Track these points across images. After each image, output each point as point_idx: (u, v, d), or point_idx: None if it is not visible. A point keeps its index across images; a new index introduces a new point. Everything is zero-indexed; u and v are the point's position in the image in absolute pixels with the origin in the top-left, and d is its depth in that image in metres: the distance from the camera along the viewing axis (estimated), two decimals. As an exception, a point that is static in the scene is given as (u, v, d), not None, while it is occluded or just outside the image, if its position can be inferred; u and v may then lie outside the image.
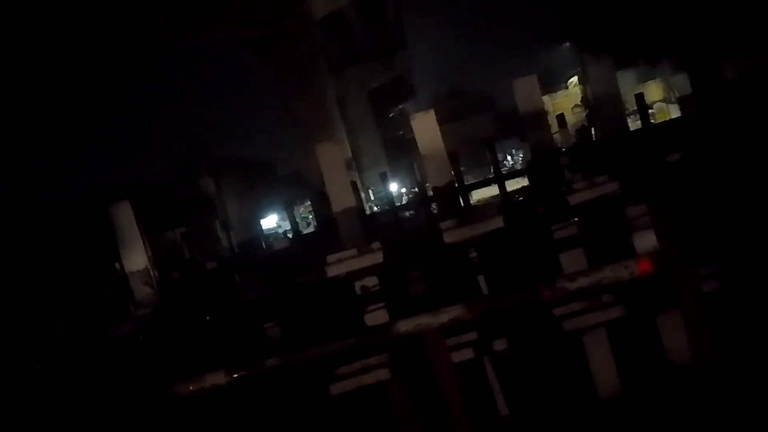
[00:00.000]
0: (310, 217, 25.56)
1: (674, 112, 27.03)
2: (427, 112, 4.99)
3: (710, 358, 4.25)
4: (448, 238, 4.53)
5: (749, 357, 4.52)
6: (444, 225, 4.58)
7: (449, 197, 5.03)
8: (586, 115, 30.68)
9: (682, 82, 27.90)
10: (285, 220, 26.31)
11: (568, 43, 34.62)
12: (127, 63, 27.55)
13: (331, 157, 5.02)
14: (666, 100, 29.77)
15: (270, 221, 28.05)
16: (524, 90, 4.97)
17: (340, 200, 5.00)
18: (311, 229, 20.69)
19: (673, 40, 25.29)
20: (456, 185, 5.22)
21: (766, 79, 5.07)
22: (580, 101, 34.10)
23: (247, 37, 28.63)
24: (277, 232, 24.83)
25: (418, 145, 4.98)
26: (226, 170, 25.28)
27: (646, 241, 4.52)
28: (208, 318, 6.02)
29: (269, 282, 5.07)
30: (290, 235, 15.46)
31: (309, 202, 23.25)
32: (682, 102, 27.38)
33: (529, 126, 5.02)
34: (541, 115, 5.05)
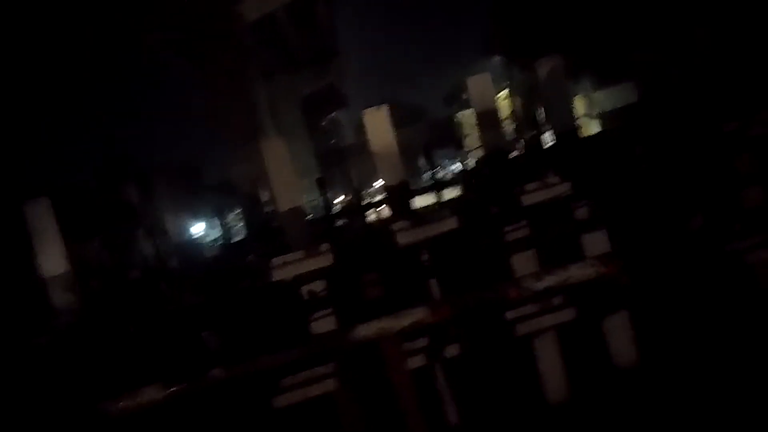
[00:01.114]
0: (240, 225, 24.76)
1: (595, 128, 28.36)
2: (378, 108, 4.80)
3: (655, 362, 4.30)
4: (402, 239, 4.34)
5: (694, 359, 4.60)
6: (397, 226, 4.39)
7: (402, 197, 4.85)
8: (515, 128, 31.71)
9: (602, 99, 29.40)
10: (213, 228, 25.36)
11: (497, 57, 35.66)
12: (49, 64, 25.84)
13: (277, 154, 4.72)
14: (588, 115, 31.21)
15: (198, 229, 26.96)
16: (478, 88, 4.88)
17: (287, 199, 4.70)
18: (241, 237, 20.01)
19: (594, 58, 26.58)
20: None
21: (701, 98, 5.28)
22: (510, 114, 35.22)
23: (176, 40, 27.56)
24: (205, 241, 23.88)
25: (370, 142, 4.77)
26: (152, 176, 24.08)
27: (597, 242, 4.53)
28: (132, 329, 5.53)
29: (206, 288, 4.67)
30: (220, 243, 14.83)
31: (239, 210, 22.51)
32: (602, 117, 28.86)
33: (482, 124, 4.93)
34: (494, 113, 4.98)
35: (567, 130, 4.98)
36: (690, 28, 5.36)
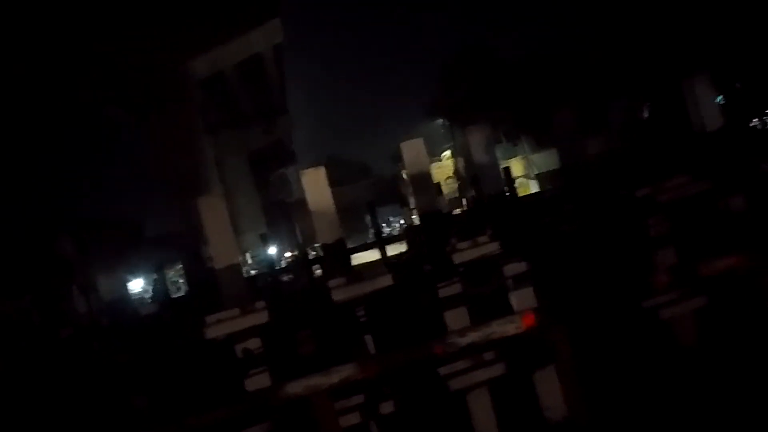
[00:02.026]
0: (181, 281, 24.09)
1: (534, 187, 29.63)
2: (317, 169, 4.96)
3: (582, 415, 4.45)
4: (337, 296, 4.42)
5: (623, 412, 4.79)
6: (333, 283, 4.47)
7: (338, 255, 4.95)
8: (458, 186, 32.65)
9: (539, 160, 30.90)
10: (152, 285, 24.47)
11: (441, 119, 37.07)
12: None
13: (215, 212, 4.76)
14: (526, 176, 32.59)
15: (136, 285, 25.96)
16: (412, 152, 5.13)
17: (224, 257, 4.72)
18: (182, 293, 19.45)
19: (534, 122, 28.08)
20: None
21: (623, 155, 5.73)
22: (453, 173, 36.32)
23: (123, 95, 27.42)
24: (143, 297, 22.99)
25: (308, 201, 4.90)
26: (88, 230, 23.25)
27: (524, 298, 4.75)
28: (57, 388, 5.29)
29: (139, 347, 4.57)
30: (158, 300, 14.35)
31: (180, 265, 21.94)
32: (539, 178, 30.24)
33: (416, 187, 5.16)
34: (428, 177, 5.22)
35: (495, 192, 5.27)
36: (607, 102, 5.87)
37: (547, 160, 28.94)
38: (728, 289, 4.89)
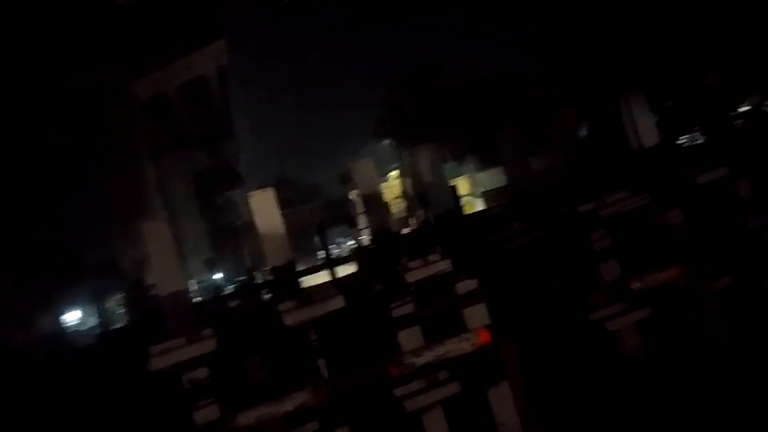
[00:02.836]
0: (122, 311, 23.12)
1: (480, 205, 30.23)
2: (265, 190, 4.87)
3: (535, 430, 4.50)
4: (288, 320, 4.31)
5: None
6: (283, 306, 4.36)
7: (288, 277, 4.85)
8: (406, 206, 32.91)
9: (485, 179, 31.60)
10: (91, 316, 23.44)
11: (388, 140, 37.43)
12: None
13: (159, 237, 4.58)
14: (473, 194, 33.22)
15: (73, 317, 24.75)
16: (362, 172, 5.12)
17: (168, 283, 4.54)
18: (123, 324, 18.64)
19: (479, 141, 28.77)
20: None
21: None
22: (401, 193, 36.63)
23: (63, 118, 26.38)
24: (80, 329, 21.93)
25: (257, 223, 4.79)
26: (21, 260, 22.06)
27: (477, 315, 4.77)
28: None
29: (78, 380, 4.31)
30: (98, 331, 13.71)
31: (121, 294, 21.09)
32: (485, 196, 30.90)
33: (367, 207, 5.14)
34: (378, 196, 5.22)
35: (444, 210, 5.32)
36: (548, 121, 6.05)
37: (493, 178, 29.65)
38: (670, 300, 5.09)
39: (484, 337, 3.35)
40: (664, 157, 5.77)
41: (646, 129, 5.53)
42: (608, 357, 5.16)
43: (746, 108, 21.54)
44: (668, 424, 4.43)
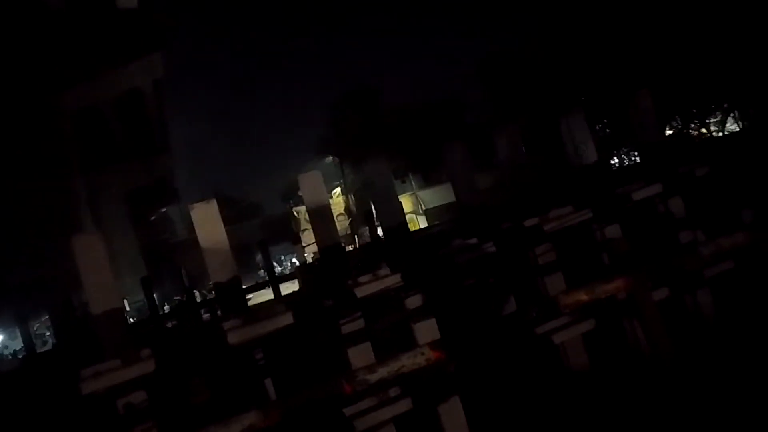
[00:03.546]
0: (47, 333, 21.77)
1: (422, 222, 30.55)
2: (208, 202, 4.68)
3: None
4: (233, 338, 4.13)
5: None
6: (228, 324, 4.19)
7: (233, 294, 4.67)
8: (350, 223, 32.84)
9: (427, 197, 32.03)
10: (14, 339, 21.95)
11: (330, 157, 37.34)
12: None
13: (91, 250, 4.30)
14: (415, 212, 33.55)
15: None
16: (309, 185, 5.03)
17: (102, 301, 4.26)
18: (49, 347, 17.56)
19: (422, 159, 29.17)
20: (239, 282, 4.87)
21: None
22: (344, 210, 36.55)
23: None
24: (2, 354, 20.47)
25: (199, 238, 4.59)
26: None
27: (427, 330, 4.74)
28: None
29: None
30: (21, 355, 12.82)
31: (47, 316, 19.86)
32: (428, 213, 31.29)
33: (315, 220, 5.04)
34: (326, 208, 5.13)
35: (394, 225, 5.29)
36: (491, 139, 6.18)
37: (435, 196, 30.07)
38: (612, 312, 5.24)
39: (438, 351, 3.32)
40: (602, 174, 5.98)
41: (585, 148, 5.73)
42: (554, 370, 5.25)
43: (670, 132, 22.91)
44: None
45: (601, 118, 22.98)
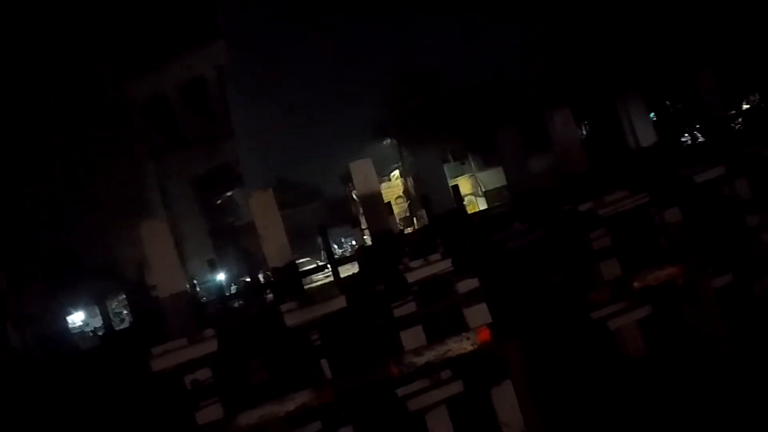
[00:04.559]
0: (125, 312, 23.13)
1: (482, 204, 30.22)
2: (265, 190, 4.88)
3: (539, 429, 4.50)
4: (290, 320, 4.33)
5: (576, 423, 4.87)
6: (285, 307, 4.38)
7: (289, 278, 4.87)
8: (408, 206, 32.93)
9: (487, 178, 31.60)
10: (94, 317, 23.45)
11: (388, 139, 37.39)
12: None
13: (158, 237, 4.59)
14: (474, 194, 33.21)
15: (77, 318, 24.74)
16: (361, 173, 5.13)
17: (168, 284, 4.55)
18: (126, 325, 18.66)
19: (480, 141, 28.75)
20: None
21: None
22: (402, 193, 36.65)
23: (59, 118, 26.37)
24: (84, 331, 21.92)
25: (256, 225, 4.80)
26: (19, 261, 22.06)
27: (478, 314, 4.78)
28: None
29: (81, 382, 4.32)
30: (101, 333, 13.74)
31: (123, 296, 21.10)
32: (487, 195, 30.89)
33: (366, 207, 5.16)
34: (377, 196, 5.23)
35: (445, 210, 5.33)
36: (548, 122, 6.05)
37: (494, 177, 29.59)
38: (670, 298, 5.09)
39: (484, 335, 3.37)
40: (662, 156, 5.78)
41: (643, 129, 5.55)
42: (610, 355, 5.17)
43: (747, 107, 21.55)
44: (669, 421, 4.44)
45: (671, 94, 21.89)
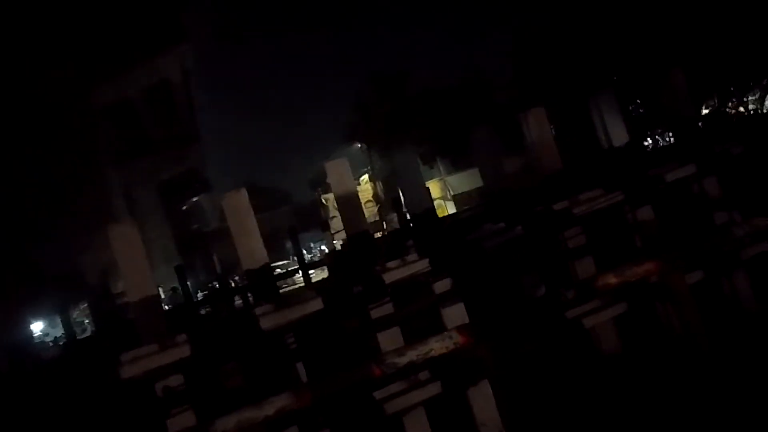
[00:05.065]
0: (86, 321, 22.49)
1: (451, 208, 30.40)
2: (238, 191, 4.76)
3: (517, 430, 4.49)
4: (265, 323, 4.22)
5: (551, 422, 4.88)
6: (260, 310, 4.27)
7: (265, 280, 4.75)
8: (378, 210, 32.92)
9: (455, 182, 31.82)
10: (54, 327, 22.71)
11: (358, 144, 37.37)
12: None
13: (127, 240, 4.43)
14: (443, 198, 33.39)
15: (35, 328, 23.92)
16: (336, 173, 5.06)
17: (139, 289, 4.39)
18: (88, 334, 18.13)
19: (449, 145, 28.94)
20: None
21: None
22: (372, 197, 36.62)
23: (20, 122, 25.54)
24: (44, 341, 21.20)
25: (230, 226, 4.68)
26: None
27: (456, 314, 4.76)
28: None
29: (43, 393, 4.13)
30: (63, 342, 13.28)
31: (85, 304, 20.52)
32: (456, 199, 31.10)
33: (342, 207, 5.08)
34: (354, 196, 5.17)
35: (422, 212, 5.30)
36: (521, 122, 6.09)
37: (463, 181, 29.86)
38: (644, 295, 5.16)
39: (463, 335, 3.33)
40: (634, 155, 5.87)
41: (615, 128, 5.62)
42: (585, 353, 5.21)
43: (706, 111, 22.24)
44: (646, 419, 4.48)
45: (634, 98, 22.44)
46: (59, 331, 18.90)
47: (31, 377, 6.39)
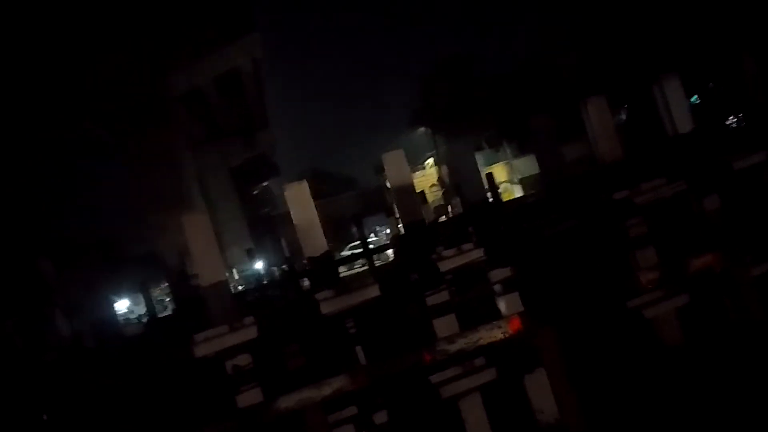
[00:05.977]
0: (167, 299, 23.87)
1: (517, 192, 29.90)
2: (300, 183, 5.00)
3: (574, 417, 4.51)
4: (326, 308, 4.44)
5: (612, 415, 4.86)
6: (320, 295, 4.50)
7: (325, 268, 4.99)
8: (443, 194, 32.83)
9: (522, 165, 31.22)
10: (138, 305, 24.24)
11: (423, 128, 37.29)
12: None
13: (199, 229, 4.77)
14: (510, 181, 32.85)
15: (121, 306, 25.65)
16: (393, 164, 5.20)
17: (209, 274, 4.73)
18: (168, 312, 19.28)
19: (515, 128, 28.39)
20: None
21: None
22: (437, 181, 36.55)
23: (101, 113, 27.21)
24: (128, 318, 22.71)
25: (292, 216, 4.93)
26: (70, 251, 22.95)
27: (511, 303, 4.81)
28: (45, 416, 5.26)
29: (124, 368, 4.55)
30: (145, 320, 14.24)
31: (166, 284, 21.77)
32: (523, 182, 30.54)
33: (398, 198, 5.22)
34: (410, 187, 5.29)
35: (477, 200, 5.36)
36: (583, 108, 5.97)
37: (530, 164, 29.20)
38: (708, 286, 5.01)
39: (516, 324, 3.41)
40: (700, 142, 5.65)
41: (680, 114, 5.43)
42: (646, 343, 5.13)
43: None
44: (706, 410, 4.40)
45: (715, 78, 21.14)
46: (142, 309, 20.20)
47: (115, 354, 6.98)
